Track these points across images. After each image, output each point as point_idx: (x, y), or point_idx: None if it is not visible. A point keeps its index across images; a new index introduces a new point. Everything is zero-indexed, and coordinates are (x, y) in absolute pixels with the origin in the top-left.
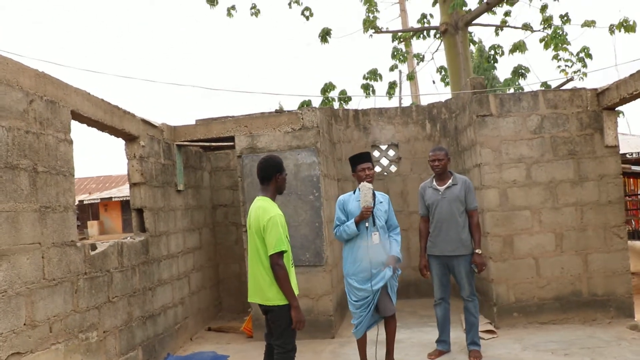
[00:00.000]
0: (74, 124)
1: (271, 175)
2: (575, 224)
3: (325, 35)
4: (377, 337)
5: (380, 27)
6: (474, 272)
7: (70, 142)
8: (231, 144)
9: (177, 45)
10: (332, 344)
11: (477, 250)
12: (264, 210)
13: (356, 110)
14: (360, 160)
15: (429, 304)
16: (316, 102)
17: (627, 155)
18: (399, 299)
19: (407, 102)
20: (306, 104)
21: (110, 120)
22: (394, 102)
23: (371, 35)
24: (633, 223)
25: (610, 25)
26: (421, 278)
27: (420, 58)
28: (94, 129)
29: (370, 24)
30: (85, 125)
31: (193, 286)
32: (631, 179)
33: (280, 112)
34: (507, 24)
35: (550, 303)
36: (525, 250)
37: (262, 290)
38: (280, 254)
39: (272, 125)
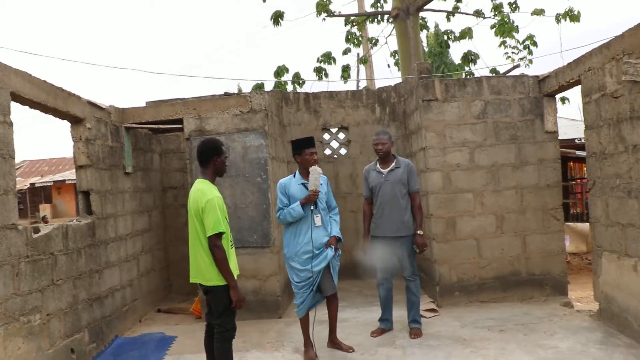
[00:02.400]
0: (17, 106)
1: (209, 158)
2: (516, 207)
3: (277, 17)
4: (315, 318)
5: (333, 11)
6: (415, 253)
7: (10, 124)
8: (180, 126)
9: (128, 28)
10: (279, 324)
11: (418, 232)
12: (202, 193)
13: (307, 94)
14: (309, 145)
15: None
16: (270, 85)
17: (576, 141)
18: (347, 279)
19: (364, 85)
20: (259, 87)
21: (53, 102)
22: (349, 86)
23: (324, 18)
24: (577, 206)
25: (557, 14)
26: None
27: (374, 42)
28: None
29: (323, 8)
30: (27, 107)
31: (142, 268)
32: (577, 164)
33: (229, 95)
34: (458, 10)
35: (491, 282)
36: (467, 232)
37: (201, 271)
38: (219, 235)
39: (221, 108)
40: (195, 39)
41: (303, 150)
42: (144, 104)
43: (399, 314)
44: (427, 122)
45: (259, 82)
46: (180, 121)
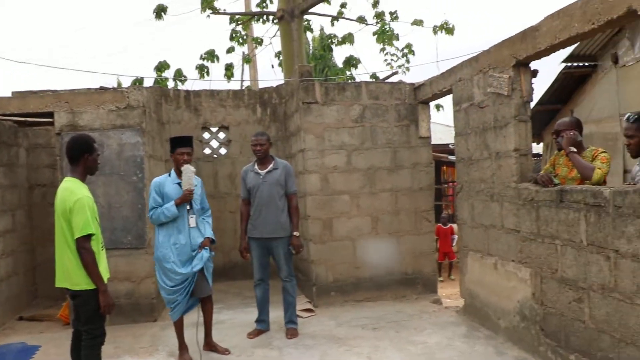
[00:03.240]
0: None
1: (80, 155)
2: (390, 208)
3: (160, 11)
4: (198, 320)
5: (218, 8)
6: (292, 254)
7: None
8: (51, 120)
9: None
10: (154, 327)
11: (295, 233)
12: (70, 192)
13: (187, 91)
14: (181, 144)
15: None
16: (151, 82)
17: (450, 146)
18: (225, 281)
19: (247, 85)
20: (138, 82)
21: None
22: (232, 85)
23: (209, 15)
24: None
25: (434, 26)
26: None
27: (259, 42)
28: None
29: (208, 4)
30: None
31: (2, 273)
32: (449, 168)
33: (105, 89)
34: (343, 15)
35: (366, 282)
36: (343, 233)
37: (69, 274)
38: (87, 237)
39: (96, 103)
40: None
41: (175, 149)
42: (9, 94)
43: (276, 314)
44: (306, 124)
45: (139, 77)
46: (51, 114)
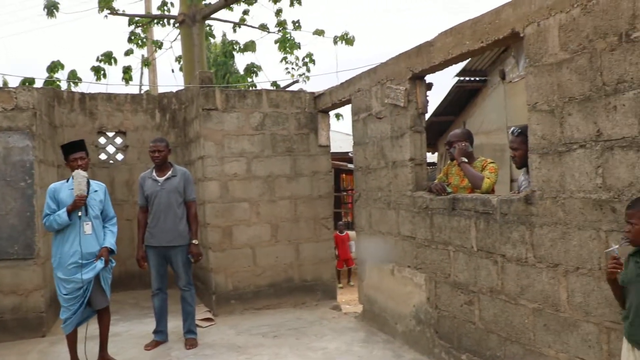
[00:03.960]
0: None
1: None
2: (290, 216)
3: (51, 8)
4: (86, 333)
5: (117, 9)
6: (190, 262)
7: None
8: None
9: None
10: (42, 343)
11: (193, 241)
12: None
13: (82, 94)
14: (72, 150)
15: None
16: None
17: (349, 154)
18: (122, 291)
19: (146, 89)
20: (28, 83)
21: None
22: (130, 89)
23: (106, 15)
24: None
25: (335, 36)
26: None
27: (159, 45)
28: None
29: (106, 4)
30: None
31: None
32: (349, 176)
33: None
34: (245, 22)
35: (266, 290)
36: (243, 241)
37: None
38: None
39: None
40: None
41: (68, 156)
42: None
43: (175, 324)
44: (206, 131)
45: (29, 78)
46: None
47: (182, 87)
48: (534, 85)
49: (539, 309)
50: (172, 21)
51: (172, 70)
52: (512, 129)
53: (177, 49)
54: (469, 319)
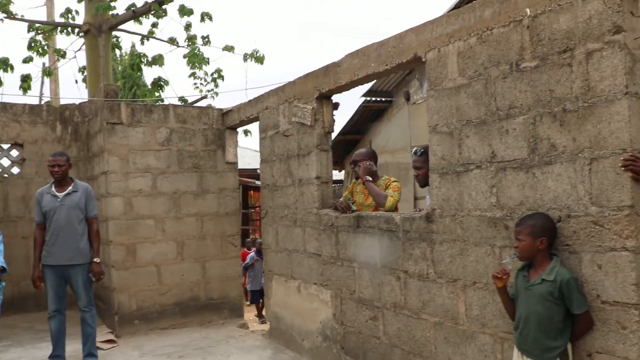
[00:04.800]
0: None
1: None
2: (196, 233)
3: None
4: None
5: (15, 13)
6: (92, 282)
7: None
8: None
9: None
10: None
11: (95, 259)
12: None
13: None
14: None
15: None
16: None
17: (258, 171)
18: (15, 314)
19: (47, 100)
20: None
21: None
22: (30, 99)
23: (2, 19)
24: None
25: (245, 53)
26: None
27: (61, 54)
28: None
29: (2, 7)
30: None
31: None
32: (257, 193)
33: None
34: (154, 35)
35: (171, 309)
36: (148, 259)
37: None
38: None
39: None
40: None
41: None
42: None
43: (74, 348)
44: (110, 145)
45: None
46: None
47: (86, 100)
48: (434, 108)
49: (440, 323)
50: (76, 30)
51: (76, 81)
52: (414, 149)
53: (82, 59)
54: (374, 334)
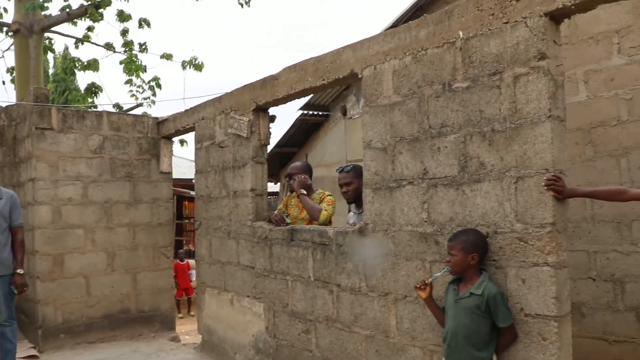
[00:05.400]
0: None
1: None
2: (128, 244)
3: None
4: None
5: None
6: (14, 295)
7: None
8: None
9: None
10: None
11: (18, 271)
12: None
13: None
14: None
15: None
16: None
17: (193, 181)
18: None
19: None
20: None
21: None
22: None
23: None
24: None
25: (183, 61)
26: None
27: None
28: None
29: None
30: None
31: None
32: (191, 203)
33: None
34: (89, 39)
35: (100, 321)
36: (76, 270)
37: None
38: None
39: None
40: None
41: None
42: None
43: None
44: (39, 151)
45: None
46: None
47: (14, 102)
48: (369, 124)
49: (371, 336)
50: (5, 29)
51: (3, 82)
52: (340, 167)
53: (10, 60)
54: (307, 347)
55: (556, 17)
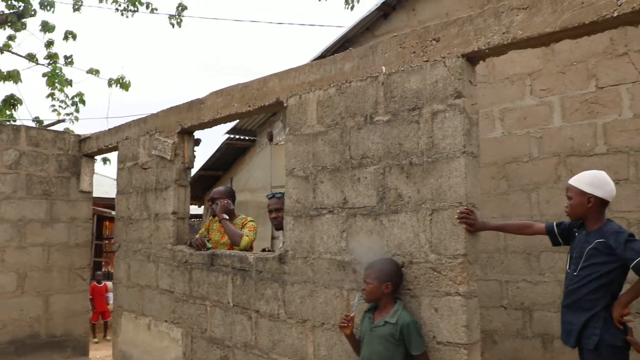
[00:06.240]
0: None
1: None
2: (41, 265)
3: None
4: None
5: None
6: None
7: None
8: None
9: None
10: None
11: None
12: None
13: None
14: None
15: None
16: None
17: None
18: None
19: None
20: None
21: None
22: None
23: None
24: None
25: (110, 78)
26: None
27: None
28: None
29: None
30: None
31: None
32: (112, 223)
33: None
34: (10, 49)
35: (5, 347)
36: None
37: None
38: None
39: None
40: None
41: None
42: None
43: None
44: None
45: None
46: None
47: None
48: (292, 152)
49: None
50: None
51: None
52: (269, 193)
53: None
54: None
55: (472, 58)
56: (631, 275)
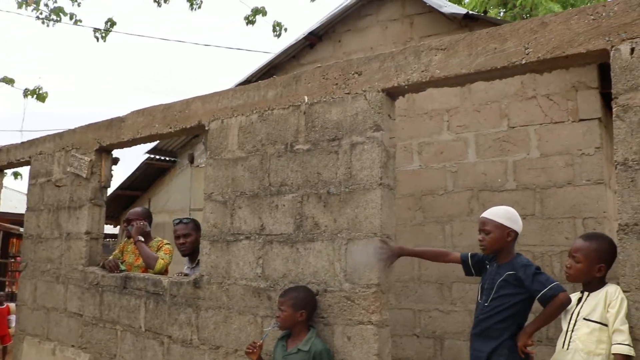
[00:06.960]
0: None
1: None
2: None
3: None
4: None
5: None
6: None
7: None
8: None
9: None
10: None
11: None
12: None
13: None
14: None
15: None
16: None
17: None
18: None
19: None
20: None
21: None
22: None
23: None
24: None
25: (26, 89)
26: None
27: None
28: None
29: None
30: None
31: None
32: (20, 241)
33: None
34: None
35: None
36: None
37: None
38: None
39: None
40: None
41: None
42: None
43: None
44: None
45: None
46: None
47: None
48: (212, 176)
49: None
50: None
51: None
52: (176, 219)
53: None
54: None
55: (392, 93)
56: (536, 305)
